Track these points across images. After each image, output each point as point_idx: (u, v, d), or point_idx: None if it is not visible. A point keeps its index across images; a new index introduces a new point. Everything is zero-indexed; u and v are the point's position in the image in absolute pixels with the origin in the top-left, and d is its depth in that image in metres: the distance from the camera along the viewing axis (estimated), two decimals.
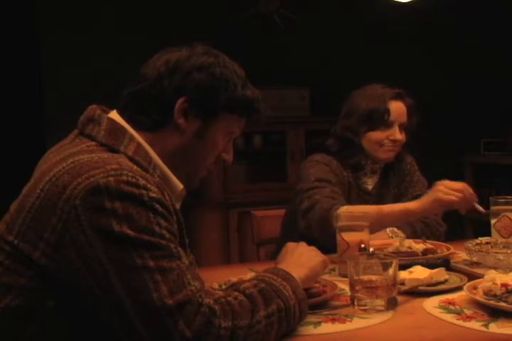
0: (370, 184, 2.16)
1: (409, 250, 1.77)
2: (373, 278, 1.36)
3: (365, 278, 1.36)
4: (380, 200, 2.11)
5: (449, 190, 1.84)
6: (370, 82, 2.16)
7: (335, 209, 1.85)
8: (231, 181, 3.96)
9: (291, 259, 1.37)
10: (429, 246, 1.82)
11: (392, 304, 1.36)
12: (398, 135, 2.08)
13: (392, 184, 2.20)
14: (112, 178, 1.08)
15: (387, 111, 2.06)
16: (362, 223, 1.68)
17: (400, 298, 1.40)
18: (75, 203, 1.06)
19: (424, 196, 1.89)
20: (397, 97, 2.10)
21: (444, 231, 2.12)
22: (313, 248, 1.45)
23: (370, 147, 2.09)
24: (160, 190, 1.13)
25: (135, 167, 1.15)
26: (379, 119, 2.06)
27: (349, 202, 1.99)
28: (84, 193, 1.06)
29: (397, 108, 2.09)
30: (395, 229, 2.03)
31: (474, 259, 1.69)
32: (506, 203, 1.78)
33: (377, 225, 1.85)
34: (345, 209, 1.85)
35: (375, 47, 4.34)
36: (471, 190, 1.86)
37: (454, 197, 1.83)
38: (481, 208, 1.87)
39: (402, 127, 2.10)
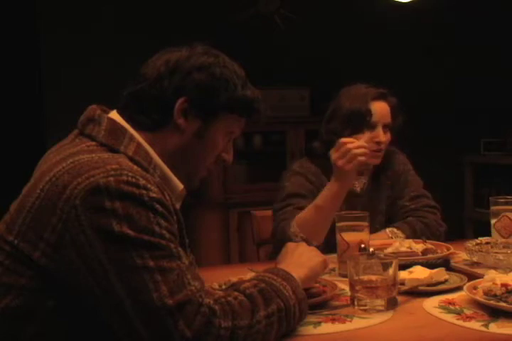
0: (357, 186, 2.12)
1: (409, 250, 1.77)
2: (373, 278, 1.36)
3: (365, 278, 1.36)
4: (371, 202, 2.09)
5: (347, 157, 1.82)
6: (355, 82, 2.11)
7: (288, 228, 1.89)
8: (231, 181, 3.96)
9: (291, 259, 1.37)
10: (429, 246, 1.82)
11: (392, 304, 1.36)
12: (382, 136, 2.03)
13: (385, 185, 2.16)
14: (112, 178, 1.08)
15: (369, 113, 2.02)
16: (362, 223, 1.68)
17: (400, 298, 1.40)
18: (75, 203, 1.06)
19: (335, 175, 1.87)
20: (379, 97, 2.06)
21: (443, 231, 2.11)
22: (313, 248, 1.45)
23: None
24: (160, 190, 1.13)
25: (135, 167, 1.15)
26: (361, 121, 2.02)
27: None
28: (84, 193, 1.06)
29: (380, 108, 2.05)
30: (395, 230, 2.03)
31: (474, 259, 1.69)
32: (506, 203, 1.78)
33: (323, 218, 1.85)
34: (293, 224, 1.89)
35: (375, 47, 4.34)
36: (352, 140, 1.85)
37: (359, 159, 1.82)
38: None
39: (387, 128, 2.06)
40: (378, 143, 2.03)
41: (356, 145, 1.83)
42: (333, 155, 1.84)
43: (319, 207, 1.86)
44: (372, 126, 2.03)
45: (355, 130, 2.03)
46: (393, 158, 2.20)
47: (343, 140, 1.85)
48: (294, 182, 2.05)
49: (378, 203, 2.14)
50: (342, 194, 1.88)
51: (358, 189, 2.13)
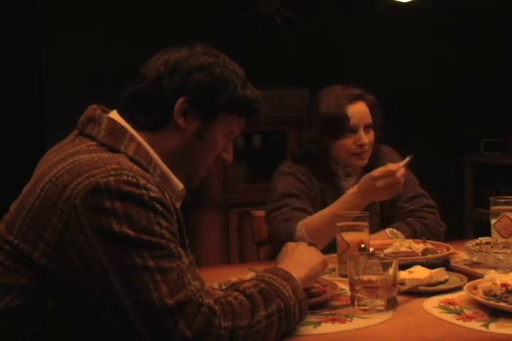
0: (345, 187, 2.09)
1: (409, 250, 1.77)
2: (373, 278, 1.36)
3: (365, 278, 1.36)
4: None
5: (394, 188, 1.80)
6: (339, 83, 2.10)
7: (293, 231, 1.86)
8: (231, 181, 3.96)
9: (291, 259, 1.37)
10: (429, 246, 1.82)
11: (392, 304, 1.36)
12: (365, 139, 2.01)
13: None
14: (112, 178, 1.08)
15: (347, 118, 1.99)
16: (362, 223, 1.68)
17: (400, 298, 1.40)
18: (75, 203, 1.06)
19: (365, 191, 1.82)
20: (355, 99, 2.03)
21: (443, 231, 2.11)
22: (313, 248, 1.45)
23: (340, 156, 2.04)
24: (160, 190, 1.12)
25: (135, 167, 1.15)
26: (341, 127, 1.99)
27: (327, 206, 1.94)
28: (85, 193, 1.06)
29: (358, 110, 2.02)
30: (395, 230, 2.03)
31: (474, 259, 1.69)
32: (506, 203, 1.78)
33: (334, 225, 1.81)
34: (300, 227, 1.86)
35: (375, 47, 4.34)
36: (398, 167, 1.80)
37: (400, 187, 1.81)
38: (407, 160, 1.84)
39: (369, 127, 2.04)
40: (361, 145, 2.02)
41: (403, 173, 1.80)
42: (379, 182, 1.78)
43: (336, 214, 1.79)
44: (352, 130, 2.01)
45: (336, 136, 2.02)
46: (384, 157, 2.14)
47: (392, 168, 1.79)
48: (285, 183, 2.04)
49: (372, 204, 2.12)
50: (363, 207, 1.85)
51: (347, 191, 2.11)
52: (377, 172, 1.80)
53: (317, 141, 2.05)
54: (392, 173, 1.78)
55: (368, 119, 2.04)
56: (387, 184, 1.79)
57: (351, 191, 1.86)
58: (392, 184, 1.79)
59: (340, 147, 2.04)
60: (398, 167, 1.80)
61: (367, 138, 2.03)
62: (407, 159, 1.85)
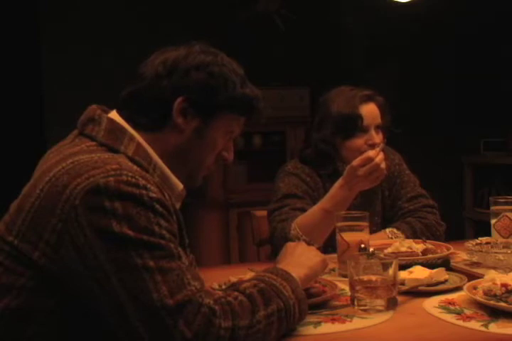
0: None
1: (409, 250, 1.77)
2: (373, 278, 1.36)
3: (365, 278, 1.36)
4: (365, 203, 2.07)
5: (377, 174, 1.82)
6: (347, 85, 2.10)
7: (288, 230, 1.88)
8: (231, 181, 3.96)
9: (290, 259, 1.37)
10: (429, 246, 1.82)
11: (392, 304, 1.36)
12: (376, 138, 2.03)
13: (381, 186, 2.13)
14: (111, 178, 1.07)
15: (360, 117, 2.01)
16: (362, 223, 1.68)
17: (400, 298, 1.40)
18: (75, 203, 1.06)
19: (349, 182, 1.83)
20: (367, 100, 2.05)
21: (443, 231, 2.11)
22: (312, 248, 1.45)
23: (351, 155, 2.02)
24: (160, 190, 1.12)
25: (135, 167, 1.15)
26: (354, 126, 2.01)
27: None
28: (84, 193, 1.06)
29: (370, 111, 2.04)
30: (395, 230, 2.03)
31: (474, 259, 1.69)
32: (506, 203, 1.78)
33: (331, 223, 1.78)
34: (294, 226, 1.87)
35: (374, 47, 4.34)
36: (376, 153, 1.83)
37: (385, 172, 1.83)
38: (382, 145, 1.90)
39: (379, 128, 2.06)
40: (372, 145, 2.02)
41: (382, 157, 1.83)
42: (361, 170, 1.81)
43: (328, 212, 1.82)
44: (364, 130, 2.03)
45: (347, 135, 2.03)
46: (386, 157, 2.16)
47: (369, 154, 1.82)
48: (289, 183, 2.05)
49: (373, 204, 2.12)
50: (352, 198, 1.87)
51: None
52: (356, 160, 1.83)
53: (329, 141, 2.06)
54: (370, 159, 1.82)
55: (379, 120, 2.06)
56: (368, 171, 1.82)
57: (337, 184, 1.87)
58: (374, 170, 1.82)
59: (351, 146, 2.04)
60: (376, 152, 1.84)
61: (378, 138, 2.04)
62: (382, 144, 1.90)
